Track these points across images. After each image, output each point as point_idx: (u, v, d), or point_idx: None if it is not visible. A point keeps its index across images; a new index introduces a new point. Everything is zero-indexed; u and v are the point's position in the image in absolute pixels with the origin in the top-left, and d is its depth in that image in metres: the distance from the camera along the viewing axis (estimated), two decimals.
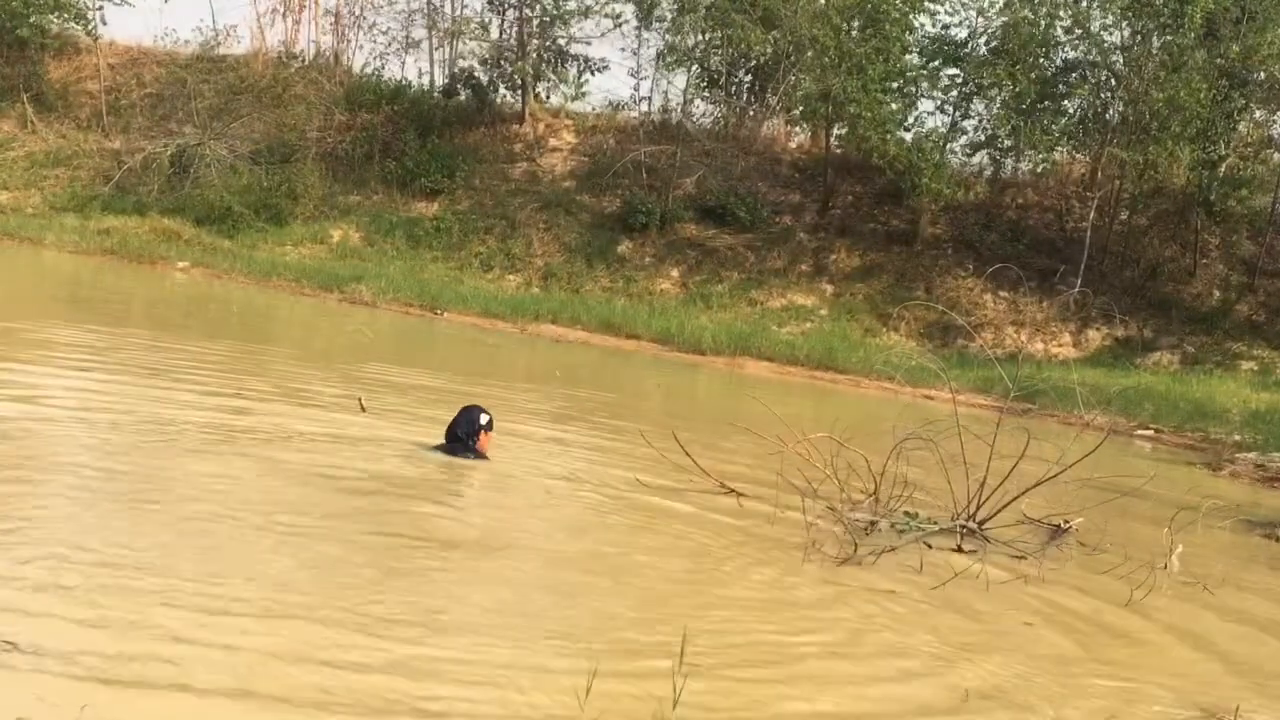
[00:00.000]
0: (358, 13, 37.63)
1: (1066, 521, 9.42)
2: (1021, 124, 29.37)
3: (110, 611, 5.24)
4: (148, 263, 27.61)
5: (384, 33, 37.49)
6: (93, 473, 7.77)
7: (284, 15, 37.79)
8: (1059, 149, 30.68)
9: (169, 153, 32.74)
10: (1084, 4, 29.55)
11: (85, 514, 6.81)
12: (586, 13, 34.22)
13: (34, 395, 10.13)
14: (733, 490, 9.58)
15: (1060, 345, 27.35)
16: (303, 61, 37.03)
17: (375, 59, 37.75)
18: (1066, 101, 30.31)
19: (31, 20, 35.47)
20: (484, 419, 9.62)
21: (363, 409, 11.03)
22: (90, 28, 36.28)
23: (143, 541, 6.30)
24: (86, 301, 20.29)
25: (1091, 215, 28.74)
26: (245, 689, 4.70)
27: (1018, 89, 28.88)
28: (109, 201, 32.24)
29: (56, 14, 36.00)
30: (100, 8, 36.16)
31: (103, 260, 27.43)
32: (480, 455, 9.56)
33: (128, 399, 10.48)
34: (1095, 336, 27.54)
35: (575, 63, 35.32)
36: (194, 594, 5.60)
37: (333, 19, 37.89)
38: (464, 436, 9.55)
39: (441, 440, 9.70)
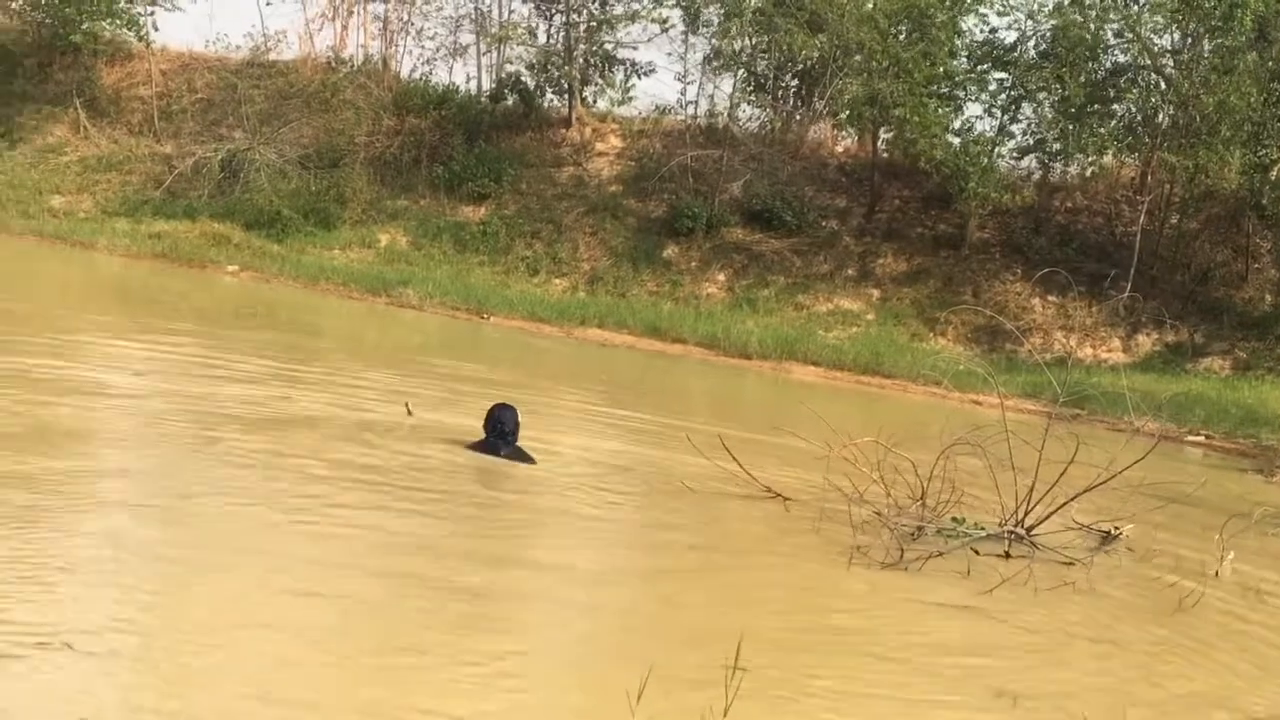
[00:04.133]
0: (406, 18, 37.79)
1: (1116, 528, 9.34)
2: (1070, 128, 29.11)
3: (168, 609, 5.31)
4: (197, 266, 27.84)
5: (431, 38, 37.63)
6: (151, 473, 7.86)
7: (333, 21, 38.03)
8: (1108, 153, 30.40)
9: (219, 157, 32.96)
10: (1134, 7, 29.30)
11: (144, 510, 6.89)
12: (633, 17, 34.23)
13: (100, 390, 10.26)
14: (778, 495, 9.57)
15: (1110, 350, 27.11)
16: (351, 67, 37.17)
17: (423, 64, 37.90)
18: (1116, 105, 30.00)
19: (85, 27, 35.76)
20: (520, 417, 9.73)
21: (409, 414, 11.10)
22: (142, 34, 36.56)
23: (197, 538, 6.37)
24: (144, 303, 20.47)
25: (1141, 219, 28.46)
26: (301, 682, 4.75)
27: (1066, 93, 28.63)
28: (160, 206, 32.50)
29: (109, 20, 36.29)
30: (152, 14, 36.49)
31: (154, 263, 27.68)
32: (527, 457, 9.62)
33: (181, 397, 10.60)
34: (1145, 341, 27.28)
35: (622, 67, 35.36)
36: (248, 594, 5.66)
37: (381, 24, 38.08)
38: (509, 435, 9.60)
39: (479, 437, 9.76)
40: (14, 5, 36.52)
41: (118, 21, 36.34)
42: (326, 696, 4.73)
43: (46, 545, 5.91)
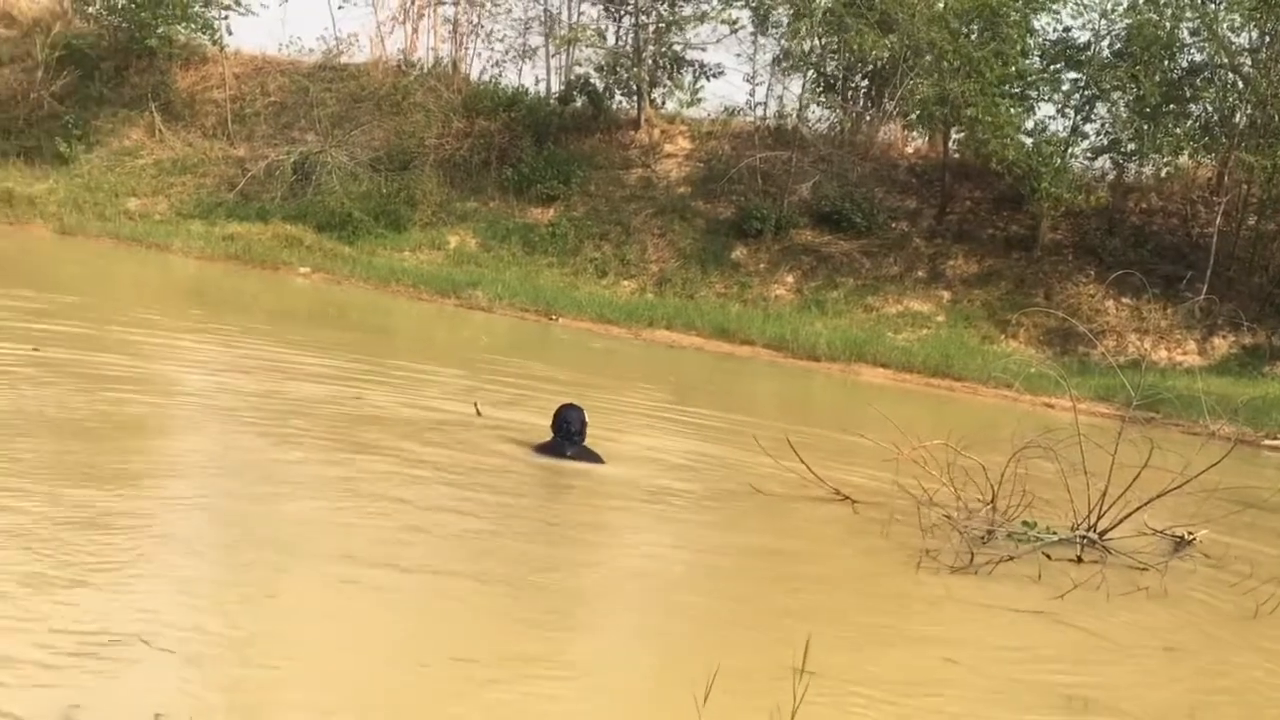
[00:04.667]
0: (475, 21, 38.03)
1: (1190, 533, 9.21)
2: (1145, 128, 28.74)
3: (241, 607, 5.36)
4: (270, 268, 28.14)
5: (501, 40, 37.85)
6: (223, 471, 7.95)
7: (403, 24, 38.31)
8: (1184, 153, 29.96)
9: (291, 160, 33.31)
10: (1210, 5, 28.85)
11: (217, 507, 6.97)
12: (702, 18, 34.20)
13: (174, 388, 10.40)
14: (847, 497, 9.52)
15: (1185, 353, 26.72)
16: (422, 69, 37.42)
17: (492, 66, 38.12)
18: (1192, 105, 29.58)
19: (160, 31, 36.29)
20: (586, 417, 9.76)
21: (479, 414, 11.15)
22: (216, 38, 37.04)
23: (270, 537, 6.43)
24: (218, 304, 20.73)
25: (1218, 220, 28.02)
26: (382, 677, 4.78)
27: (1141, 92, 28.25)
28: (233, 208, 32.89)
29: (184, 25, 36.79)
30: (226, 18, 36.96)
31: (227, 265, 28.02)
32: (595, 457, 9.64)
33: (254, 395, 10.72)
34: (1221, 344, 26.86)
35: (691, 69, 35.34)
36: (319, 592, 5.70)
37: (451, 27, 38.32)
38: (575, 435, 9.63)
39: (548, 438, 9.80)
40: (91, 10, 37.09)
41: (192, 26, 36.87)
42: (392, 696, 4.76)
43: (121, 542, 5.99)
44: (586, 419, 9.76)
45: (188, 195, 34.23)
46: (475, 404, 11.39)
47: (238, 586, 5.69)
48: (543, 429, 9.98)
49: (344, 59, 38.12)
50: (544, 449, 9.73)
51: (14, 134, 36.24)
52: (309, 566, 6.02)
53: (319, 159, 33.13)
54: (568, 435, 9.63)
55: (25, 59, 37.86)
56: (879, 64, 32.90)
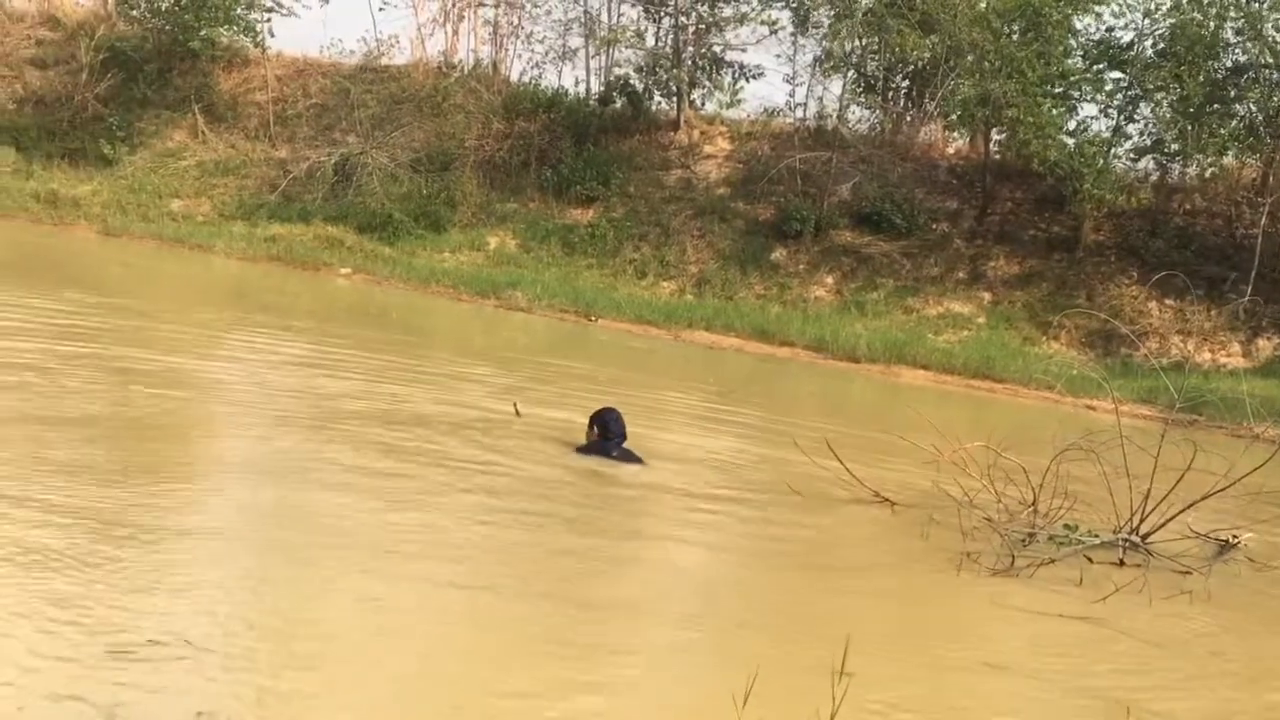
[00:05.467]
0: (516, 23, 38.13)
1: (1235, 537, 9.12)
2: (1189, 128, 28.53)
3: (283, 606, 5.38)
4: (311, 268, 28.30)
5: (541, 42, 37.93)
6: (265, 469, 7.99)
7: (444, 26, 38.45)
8: (1228, 153, 29.70)
9: (332, 161, 33.47)
10: (1255, 5, 28.57)
11: (259, 505, 7.01)
12: (742, 20, 34.17)
13: (217, 385, 10.47)
14: (886, 499, 9.48)
15: (1229, 355, 26.47)
16: (462, 71, 37.55)
17: (532, 68, 38.22)
18: (1236, 105, 29.31)
19: (203, 33, 36.53)
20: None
21: (518, 414, 11.17)
22: (259, 40, 37.26)
23: (312, 536, 6.46)
24: (260, 304, 20.85)
25: (1263, 221, 27.73)
26: (425, 672, 4.80)
27: (1185, 92, 28.05)
28: (275, 209, 33.08)
29: (227, 27, 37.03)
30: (268, 20, 37.18)
31: (269, 266, 28.18)
32: (636, 458, 9.66)
33: (295, 393, 10.77)
34: (1266, 346, 26.59)
35: (730, 70, 35.28)
36: (359, 593, 5.72)
37: (491, 29, 38.44)
38: (615, 438, 9.65)
39: (583, 441, 9.85)
40: (135, 13, 37.38)
41: (235, 28, 37.11)
42: (431, 698, 4.77)
43: (163, 542, 6.03)
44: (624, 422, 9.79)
45: (230, 196, 34.47)
46: (515, 404, 11.41)
47: (279, 586, 5.71)
48: (582, 426, 9.99)
49: (385, 61, 38.31)
50: (587, 450, 9.74)
51: (59, 136, 36.58)
52: (350, 567, 6.04)
53: (360, 160, 33.28)
54: (611, 437, 9.65)
55: (70, 62, 38.23)
56: (920, 64, 32.77)
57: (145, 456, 7.72)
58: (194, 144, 36.60)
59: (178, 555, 5.89)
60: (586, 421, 9.92)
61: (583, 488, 8.95)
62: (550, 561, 6.83)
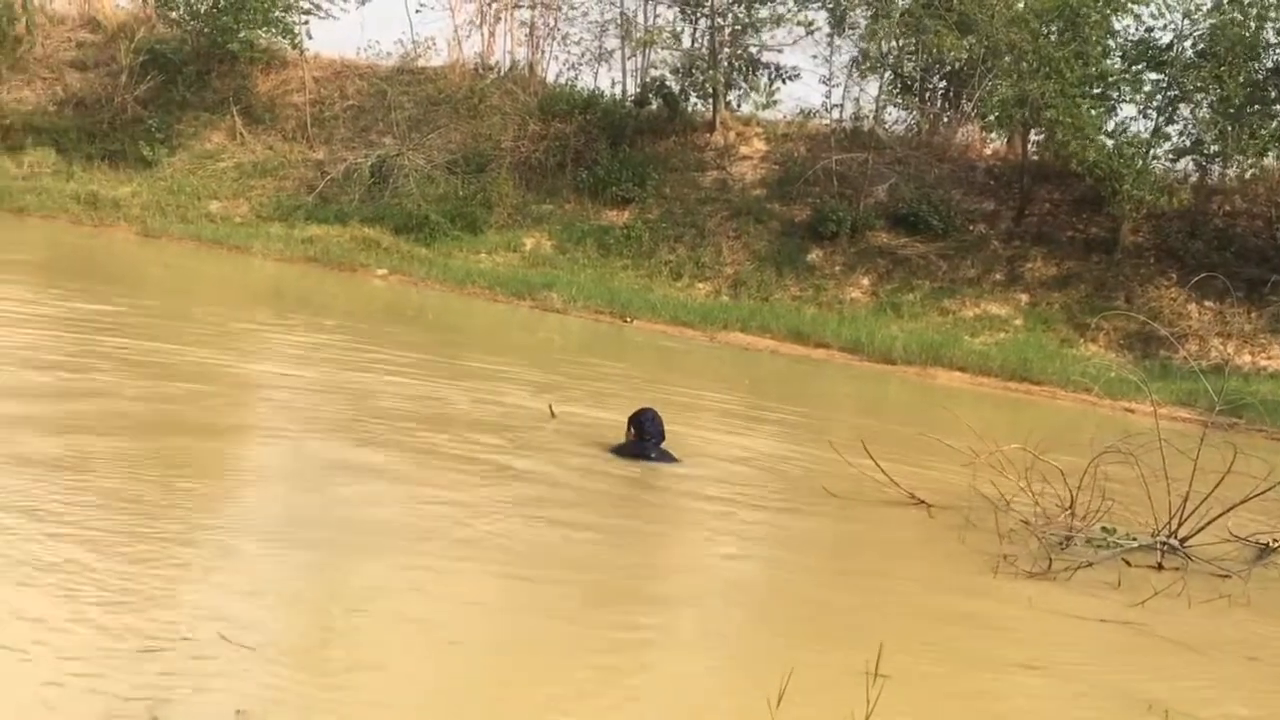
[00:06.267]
0: (552, 24, 38.20)
1: (1275, 540, 9.04)
2: (1229, 129, 28.31)
3: (319, 604, 5.41)
4: (348, 269, 28.41)
5: (577, 43, 38.00)
6: (300, 467, 8.03)
7: (480, 27, 38.56)
8: (1269, 154, 29.45)
9: (369, 163, 33.60)
10: None
11: (296, 503, 7.05)
12: (779, 21, 34.09)
13: (256, 383, 10.53)
14: (922, 501, 9.45)
15: (1269, 358, 26.24)
16: (498, 73, 37.65)
17: (568, 69, 38.28)
18: (1277, 105, 29.07)
19: (242, 35, 36.76)
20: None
21: (553, 415, 11.19)
22: (296, 42, 37.43)
23: (346, 535, 6.49)
24: (298, 304, 20.96)
25: None
26: (459, 677, 4.81)
27: (1225, 93, 27.83)
28: (312, 210, 33.19)
29: (265, 29, 37.21)
30: (306, 22, 37.38)
31: (306, 267, 28.31)
32: (672, 458, 9.67)
33: (331, 392, 10.83)
34: None
35: (767, 71, 35.23)
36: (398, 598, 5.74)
37: (528, 31, 38.52)
38: (653, 438, 9.65)
39: (622, 439, 9.84)
40: (174, 15, 37.65)
41: (273, 30, 37.28)
42: (467, 697, 4.78)
43: (201, 540, 6.07)
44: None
45: (268, 198, 34.65)
46: (549, 405, 11.43)
47: (317, 585, 5.74)
48: (617, 426, 10.00)
49: (421, 63, 38.48)
50: (624, 452, 9.74)
51: (99, 138, 36.87)
52: (387, 566, 6.07)
53: (396, 162, 33.42)
54: (648, 438, 9.65)
55: (110, 64, 38.54)
56: (957, 65, 32.66)
57: (183, 453, 7.77)
58: (232, 146, 36.82)
59: (216, 553, 5.92)
60: (623, 421, 9.93)
61: (616, 488, 8.96)
62: (582, 562, 6.84)
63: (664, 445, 9.74)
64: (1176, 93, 29.51)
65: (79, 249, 26.65)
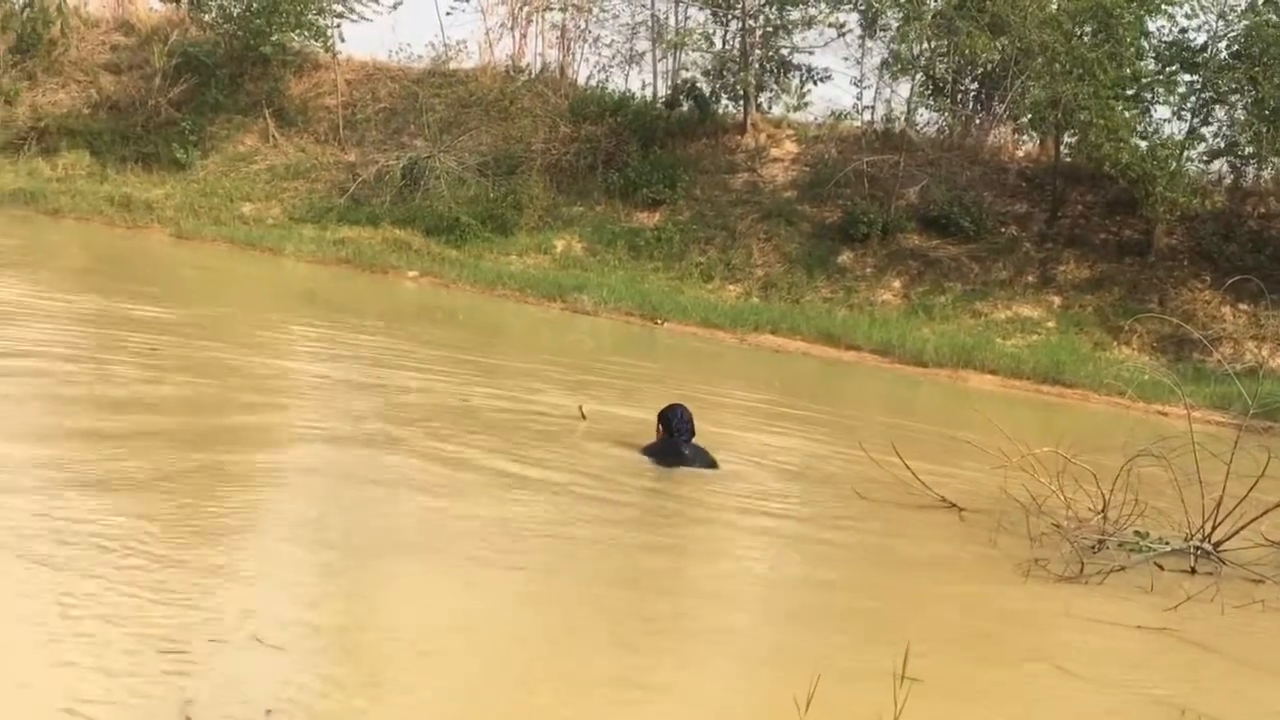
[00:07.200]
0: (583, 27, 38.24)
1: None
2: (1264, 131, 28.10)
3: (351, 605, 5.44)
4: (379, 271, 28.51)
5: (608, 46, 37.99)
6: (331, 468, 8.06)
7: (512, 30, 38.63)
8: None
9: (401, 165, 33.70)
10: None
11: (327, 503, 7.08)
12: (810, 23, 34.04)
13: (288, 385, 10.58)
14: (954, 505, 9.41)
15: None
16: (529, 75, 37.71)
17: (599, 71, 38.23)
18: None
19: (274, 38, 36.94)
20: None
21: (583, 416, 11.20)
22: (329, 45, 37.59)
23: (379, 536, 6.52)
24: (331, 306, 21.04)
25: None
26: (488, 679, 4.83)
27: (1260, 94, 27.63)
28: (344, 212, 33.29)
29: (298, 32, 37.39)
30: (338, 25, 37.53)
31: (338, 269, 28.42)
32: (712, 462, 9.64)
33: (362, 392, 10.87)
34: None
35: (798, 73, 35.19)
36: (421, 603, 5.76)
37: (559, 33, 38.56)
38: (682, 435, 9.59)
39: (652, 439, 9.80)
40: (207, 18, 37.89)
41: (306, 33, 37.47)
42: (499, 698, 4.79)
43: (232, 540, 6.10)
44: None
45: (300, 200, 34.79)
46: (580, 406, 11.44)
47: (348, 585, 5.77)
48: (648, 427, 9.99)
49: (453, 65, 38.57)
50: (656, 450, 9.69)
51: (132, 140, 37.09)
52: (418, 567, 6.10)
53: (428, 164, 33.51)
54: (677, 433, 9.60)
55: (144, 67, 38.77)
56: (989, 66, 32.50)
57: (213, 454, 7.81)
58: (264, 148, 36.99)
59: (246, 552, 5.96)
60: (652, 420, 9.91)
61: (644, 488, 8.96)
62: (610, 562, 6.85)
63: (696, 442, 9.68)
64: (1211, 94, 29.33)
65: (117, 251, 26.81)
